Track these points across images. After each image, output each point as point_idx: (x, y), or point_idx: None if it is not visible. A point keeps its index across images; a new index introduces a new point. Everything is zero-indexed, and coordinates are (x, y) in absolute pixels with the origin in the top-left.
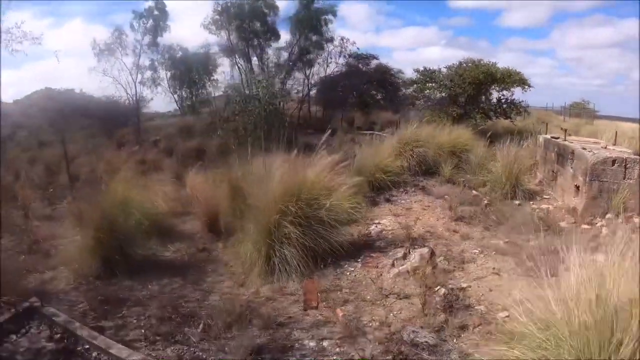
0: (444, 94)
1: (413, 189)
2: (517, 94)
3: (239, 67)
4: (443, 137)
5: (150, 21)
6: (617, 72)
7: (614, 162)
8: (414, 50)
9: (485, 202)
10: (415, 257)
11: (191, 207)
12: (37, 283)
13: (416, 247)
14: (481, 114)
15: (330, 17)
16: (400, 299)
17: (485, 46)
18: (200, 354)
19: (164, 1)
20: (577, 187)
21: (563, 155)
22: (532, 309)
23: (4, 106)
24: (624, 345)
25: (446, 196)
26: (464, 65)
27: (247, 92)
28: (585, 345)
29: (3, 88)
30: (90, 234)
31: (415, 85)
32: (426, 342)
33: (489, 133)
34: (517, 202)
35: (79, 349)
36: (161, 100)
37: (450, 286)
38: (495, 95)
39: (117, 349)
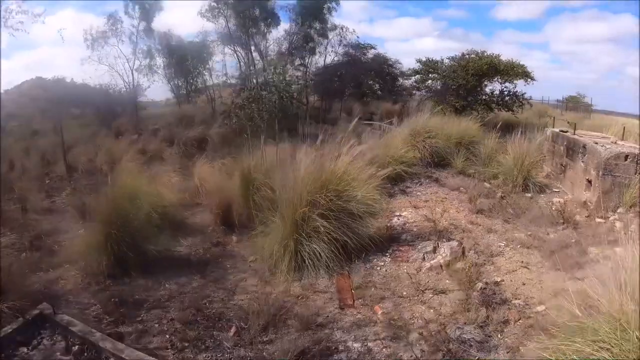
0: (446, 85)
1: (427, 181)
2: (518, 86)
3: (237, 55)
4: (452, 129)
5: (145, 5)
6: (610, 67)
7: (626, 157)
8: (408, 41)
9: (500, 194)
10: (445, 250)
11: (200, 198)
12: (42, 284)
13: (444, 240)
14: (483, 105)
15: (333, 4)
16: (437, 294)
17: (479, 38)
18: None
19: None
20: (589, 181)
21: (573, 149)
22: (569, 300)
23: None
24: None
25: (461, 188)
26: (467, 56)
27: (255, 80)
28: None
29: None
30: (98, 229)
31: (417, 75)
32: (473, 338)
33: (499, 125)
34: (529, 194)
35: None
36: (157, 89)
37: (484, 280)
38: (497, 87)
39: None
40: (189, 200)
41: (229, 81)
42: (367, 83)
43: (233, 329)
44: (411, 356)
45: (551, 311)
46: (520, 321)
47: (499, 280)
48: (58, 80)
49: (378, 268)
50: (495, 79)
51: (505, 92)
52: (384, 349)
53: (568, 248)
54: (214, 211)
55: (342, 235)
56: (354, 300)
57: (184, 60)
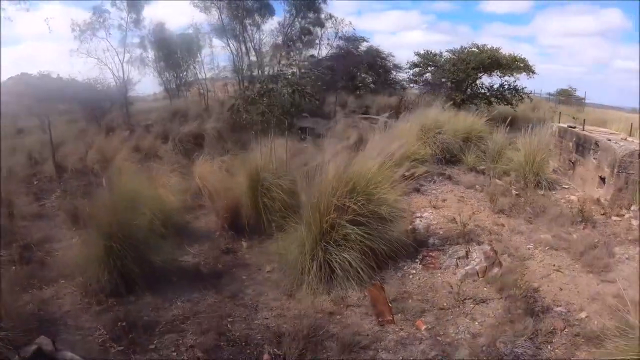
0: (444, 79)
1: (440, 178)
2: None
3: (230, 48)
4: (458, 124)
5: None
6: (597, 60)
7: None
8: (395, 34)
9: (515, 192)
10: (478, 256)
11: (203, 199)
12: (36, 304)
13: (473, 243)
14: (484, 99)
15: None
16: (478, 303)
17: (467, 31)
18: None
19: None
20: (602, 178)
21: (584, 146)
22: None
23: None
24: None
25: (477, 186)
26: (468, 49)
27: (259, 71)
28: None
29: None
30: (97, 240)
31: (416, 68)
32: (525, 352)
33: (508, 120)
34: (541, 191)
35: None
36: (146, 83)
37: (522, 287)
38: (495, 81)
39: None
40: (190, 202)
41: (221, 74)
42: (360, 76)
43: (266, 357)
44: None
45: (593, 318)
46: (566, 330)
47: (536, 286)
48: (44, 75)
49: (410, 276)
50: (495, 72)
51: (506, 86)
52: None
53: (594, 249)
54: (220, 214)
55: (373, 242)
56: (392, 315)
57: (174, 53)
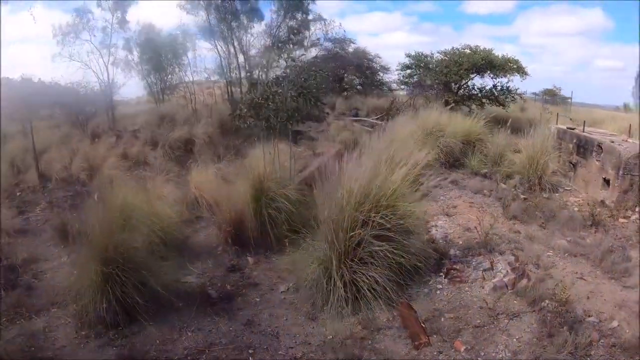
0: (437, 80)
1: (445, 183)
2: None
3: (217, 50)
4: (457, 126)
5: None
6: (580, 59)
7: None
8: (378, 35)
9: (523, 196)
10: (503, 267)
11: (200, 210)
12: (26, 337)
13: (496, 253)
14: (477, 100)
15: None
16: (511, 318)
17: (449, 32)
18: None
19: None
20: (606, 180)
21: (585, 147)
22: None
23: None
24: None
25: (485, 191)
26: (459, 50)
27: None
28: None
29: None
30: (91, 262)
31: (408, 69)
32: None
33: (509, 122)
34: (545, 195)
35: None
36: (130, 86)
37: (552, 297)
38: (487, 82)
39: None
40: (187, 213)
41: (209, 77)
42: (347, 77)
43: None
44: None
45: (624, 326)
46: (601, 341)
47: (564, 296)
48: (25, 80)
49: (437, 292)
50: (487, 73)
51: (498, 87)
52: None
53: (611, 254)
54: (223, 228)
55: (399, 257)
56: (428, 337)
57: (159, 55)
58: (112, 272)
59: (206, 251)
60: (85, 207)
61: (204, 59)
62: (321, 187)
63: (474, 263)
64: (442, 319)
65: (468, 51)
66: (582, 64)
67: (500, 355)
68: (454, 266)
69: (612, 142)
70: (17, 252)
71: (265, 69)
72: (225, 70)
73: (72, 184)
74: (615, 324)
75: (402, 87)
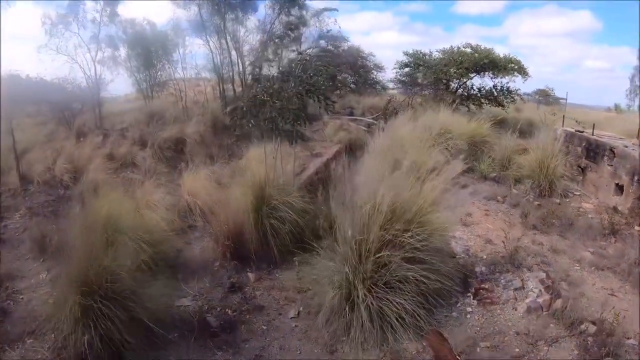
0: (437, 79)
1: (455, 188)
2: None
3: (209, 46)
4: (462, 127)
5: None
6: (568, 60)
7: None
8: (369, 34)
9: (537, 203)
10: (535, 285)
11: (194, 219)
12: None
13: (523, 269)
14: (476, 100)
15: None
16: (550, 345)
17: (439, 32)
18: None
19: None
20: (619, 186)
21: (595, 151)
22: None
23: None
24: None
25: (498, 197)
26: (459, 49)
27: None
28: None
29: None
30: (73, 292)
31: (407, 68)
32: None
33: (519, 124)
34: (557, 200)
35: None
36: (118, 83)
37: (588, 319)
38: (487, 82)
39: None
40: (179, 222)
41: (200, 74)
42: (341, 76)
43: None
44: None
45: None
46: None
47: (599, 316)
48: (11, 76)
49: (468, 316)
50: (487, 73)
51: (498, 87)
52: None
53: (637, 266)
54: (220, 241)
55: (429, 280)
56: None
57: (149, 51)
58: (94, 305)
59: (201, 267)
60: (66, 218)
61: (194, 56)
62: (333, 197)
63: (502, 281)
64: (478, 349)
65: (469, 50)
66: (571, 65)
67: None
68: (482, 285)
69: (626, 146)
70: None
71: (259, 65)
72: (218, 67)
73: (55, 187)
74: None
75: (399, 85)
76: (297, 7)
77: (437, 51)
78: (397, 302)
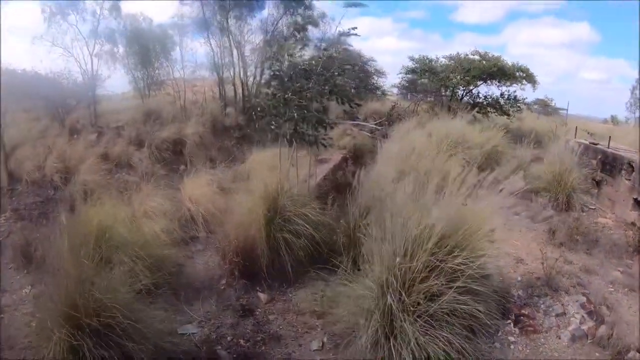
0: (445, 86)
1: None
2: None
3: (211, 44)
4: (475, 136)
5: None
6: (564, 70)
7: None
8: (367, 39)
9: (557, 217)
10: (575, 310)
11: (196, 229)
12: None
13: (561, 292)
14: (483, 109)
15: None
16: None
17: (438, 39)
18: None
19: None
20: (637, 201)
21: (612, 165)
22: None
23: None
24: None
25: (517, 210)
26: (466, 56)
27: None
28: None
29: None
30: (54, 324)
31: (414, 74)
32: None
33: (533, 134)
34: (575, 214)
35: None
36: (116, 79)
37: (634, 348)
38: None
39: None
40: (179, 232)
41: (201, 73)
42: (342, 80)
43: None
44: None
45: None
46: None
47: None
48: (8, 70)
49: (511, 346)
50: (494, 81)
51: (506, 96)
52: None
53: None
54: (228, 257)
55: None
56: None
57: (148, 48)
58: (83, 344)
59: (206, 286)
60: (54, 226)
61: (194, 54)
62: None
63: (542, 306)
64: None
65: (477, 57)
66: (568, 75)
67: None
68: (522, 311)
69: None
70: None
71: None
72: (218, 66)
73: (44, 187)
74: None
75: (403, 91)
76: (303, 8)
77: (443, 57)
78: (443, 337)
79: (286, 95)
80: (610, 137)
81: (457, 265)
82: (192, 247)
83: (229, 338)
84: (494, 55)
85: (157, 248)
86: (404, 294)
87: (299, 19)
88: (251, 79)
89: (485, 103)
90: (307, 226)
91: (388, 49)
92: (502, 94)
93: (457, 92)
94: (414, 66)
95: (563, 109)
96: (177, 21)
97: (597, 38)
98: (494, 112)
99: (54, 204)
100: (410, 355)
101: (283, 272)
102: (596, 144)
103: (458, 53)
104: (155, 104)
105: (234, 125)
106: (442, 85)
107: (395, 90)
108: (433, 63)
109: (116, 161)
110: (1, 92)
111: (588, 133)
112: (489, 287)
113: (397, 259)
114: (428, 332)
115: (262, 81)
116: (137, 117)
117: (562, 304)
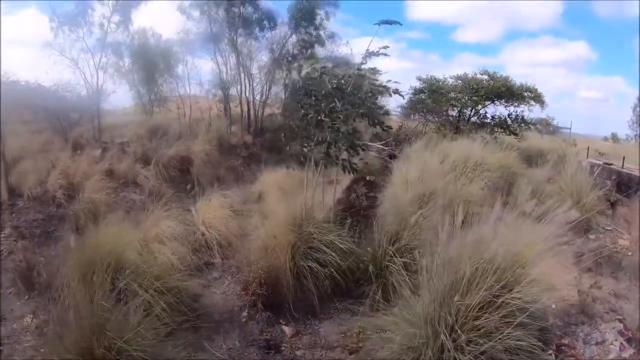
0: (453, 106)
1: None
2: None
3: (218, 61)
4: (488, 158)
5: None
6: (562, 89)
7: None
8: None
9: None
10: (614, 337)
11: (212, 255)
12: None
13: (597, 319)
14: (490, 129)
15: (332, 9)
16: None
17: (437, 60)
18: None
19: None
20: None
21: (628, 185)
22: None
23: None
24: None
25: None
26: (473, 76)
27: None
28: None
29: None
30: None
31: (422, 94)
32: None
33: (541, 154)
34: (591, 235)
35: None
36: (121, 94)
37: None
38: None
39: None
40: (193, 258)
41: (204, 90)
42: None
43: None
44: None
45: None
46: None
47: None
48: (12, 82)
49: None
50: (502, 101)
51: (513, 116)
52: None
53: None
54: (251, 288)
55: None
56: None
57: (152, 63)
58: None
59: (227, 318)
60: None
61: (199, 71)
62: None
63: (581, 335)
64: None
65: (486, 77)
66: (565, 94)
67: None
68: (563, 341)
69: None
70: None
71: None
72: (225, 84)
73: (47, 203)
74: None
75: (412, 112)
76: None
77: (450, 77)
78: None
79: (319, 117)
80: (624, 157)
81: (512, 300)
82: (207, 275)
83: None
84: (502, 75)
85: (172, 278)
86: (459, 331)
87: (308, 37)
88: (257, 97)
89: (492, 123)
90: (334, 254)
91: (387, 68)
92: (509, 114)
93: (465, 112)
94: (421, 86)
95: (565, 128)
96: (183, 37)
97: (594, 56)
98: (502, 132)
99: (57, 221)
100: None
101: (308, 303)
102: (610, 164)
103: (465, 73)
104: (160, 120)
105: (240, 143)
106: (450, 105)
107: (399, 110)
108: (441, 83)
109: (122, 179)
110: (1, 103)
111: (600, 153)
112: (531, 318)
113: (456, 297)
114: None
115: (268, 100)
116: (141, 133)
117: (600, 332)
